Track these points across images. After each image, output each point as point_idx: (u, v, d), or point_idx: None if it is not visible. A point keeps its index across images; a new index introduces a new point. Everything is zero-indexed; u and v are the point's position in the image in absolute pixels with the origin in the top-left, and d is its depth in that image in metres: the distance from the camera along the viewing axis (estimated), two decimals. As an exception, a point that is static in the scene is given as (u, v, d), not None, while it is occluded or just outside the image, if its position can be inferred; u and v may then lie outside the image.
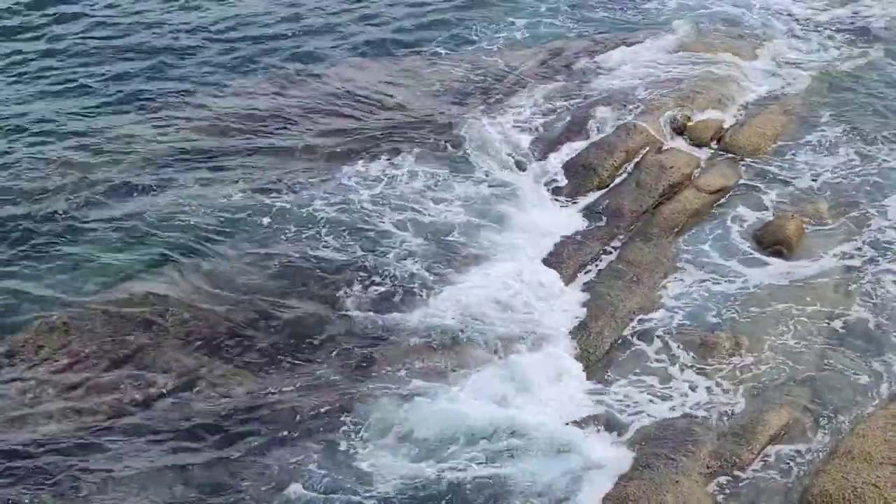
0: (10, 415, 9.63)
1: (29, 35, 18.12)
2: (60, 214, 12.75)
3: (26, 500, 8.64)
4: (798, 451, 9.26)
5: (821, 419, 9.64)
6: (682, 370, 10.36)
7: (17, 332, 10.78)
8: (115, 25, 18.51)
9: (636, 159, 14.19)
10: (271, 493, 8.82)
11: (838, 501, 8.34)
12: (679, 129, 15.13)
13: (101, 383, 10.11)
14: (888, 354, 10.53)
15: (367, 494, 8.76)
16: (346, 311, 11.08)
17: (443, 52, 17.66)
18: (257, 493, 8.83)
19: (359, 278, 11.57)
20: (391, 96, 16.03)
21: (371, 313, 11.02)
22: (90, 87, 16.18)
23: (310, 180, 13.46)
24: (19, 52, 17.44)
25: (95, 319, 10.93)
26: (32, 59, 17.14)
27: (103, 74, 16.65)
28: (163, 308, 11.10)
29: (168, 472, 9.08)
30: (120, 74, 16.67)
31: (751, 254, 12.36)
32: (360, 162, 13.92)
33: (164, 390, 10.02)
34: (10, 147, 14.30)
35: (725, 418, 9.65)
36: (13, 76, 16.61)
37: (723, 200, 13.46)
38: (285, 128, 15.02)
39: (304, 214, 12.71)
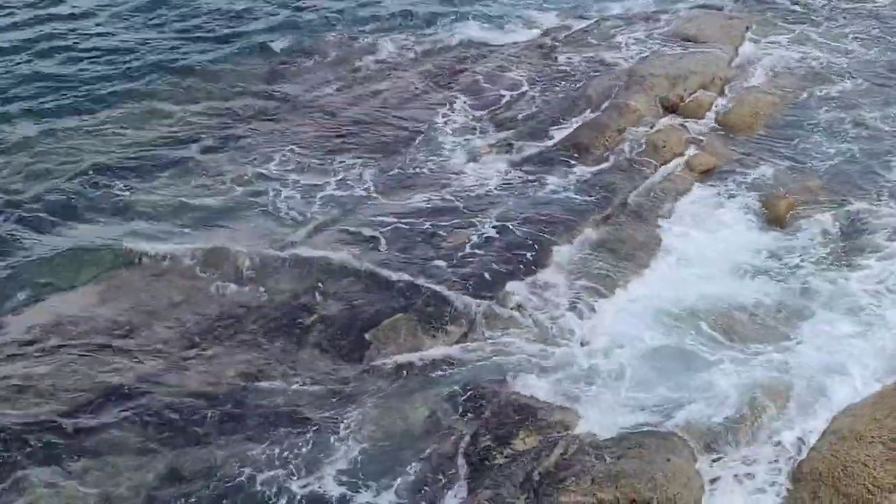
0: (0, 395, 9.59)
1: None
2: (58, 198, 12.77)
3: (17, 479, 8.61)
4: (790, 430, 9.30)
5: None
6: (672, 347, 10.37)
7: (10, 313, 10.77)
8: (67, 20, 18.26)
9: (629, 138, 14.14)
10: (268, 476, 8.82)
11: (828, 479, 8.36)
12: (672, 109, 15.10)
13: (91, 364, 10.06)
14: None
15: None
16: (341, 299, 11.03)
17: (426, 35, 17.57)
18: (253, 475, 8.82)
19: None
20: (366, 88, 15.96)
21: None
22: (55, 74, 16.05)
23: (299, 173, 13.42)
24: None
25: (89, 302, 10.91)
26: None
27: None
28: (158, 292, 11.10)
29: (159, 454, 9.04)
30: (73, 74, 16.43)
31: (744, 232, 12.36)
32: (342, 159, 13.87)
33: (158, 372, 9.98)
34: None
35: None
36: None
37: (714, 179, 13.43)
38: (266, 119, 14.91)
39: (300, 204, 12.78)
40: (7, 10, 18.45)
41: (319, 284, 11.23)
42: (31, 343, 10.32)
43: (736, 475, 8.82)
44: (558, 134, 14.33)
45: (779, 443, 9.13)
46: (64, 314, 10.72)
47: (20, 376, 9.85)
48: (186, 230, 12.28)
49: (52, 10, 18.57)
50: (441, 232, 12.15)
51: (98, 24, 18.10)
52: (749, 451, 9.10)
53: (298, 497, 8.57)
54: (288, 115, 14.93)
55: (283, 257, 11.71)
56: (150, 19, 18.37)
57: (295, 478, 8.74)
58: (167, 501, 8.52)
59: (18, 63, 16.60)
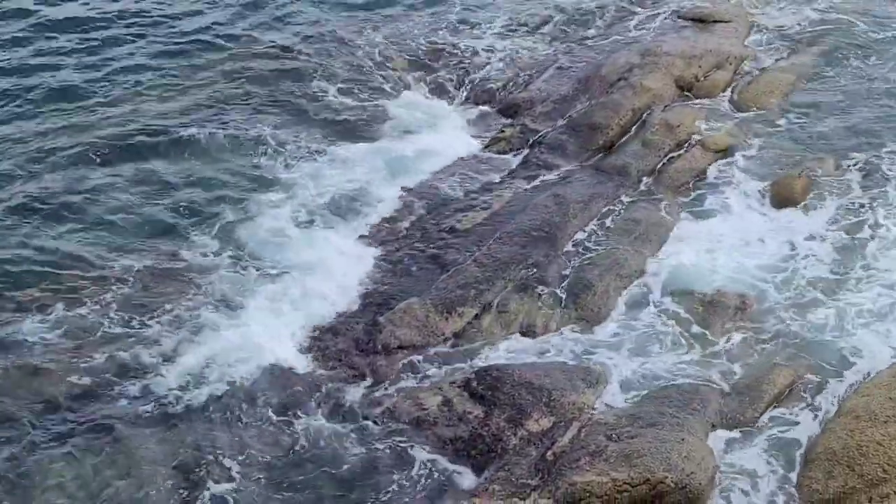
0: (15, 372, 9.66)
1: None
2: (64, 183, 12.76)
3: (31, 461, 8.71)
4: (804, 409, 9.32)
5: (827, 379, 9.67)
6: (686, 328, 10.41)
7: (26, 290, 10.83)
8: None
9: (643, 118, 14.08)
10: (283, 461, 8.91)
11: (843, 459, 8.36)
12: (687, 88, 15.01)
13: (105, 342, 10.15)
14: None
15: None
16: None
17: (434, 16, 17.46)
18: (265, 463, 8.90)
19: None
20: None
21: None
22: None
23: (302, 160, 13.42)
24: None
25: (101, 280, 11.02)
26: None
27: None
28: (166, 274, 11.20)
29: (175, 433, 9.13)
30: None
31: (760, 212, 12.31)
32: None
33: (171, 353, 10.04)
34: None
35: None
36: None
37: (730, 158, 13.34)
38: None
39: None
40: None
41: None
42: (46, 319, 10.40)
43: (750, 454, 8.83)
44: (572, 114, 14.25)
45: (792, 422, 9.15)
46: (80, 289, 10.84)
47: (35, 351, 9.95)
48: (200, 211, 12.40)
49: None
50: (453, 216, 12.15)
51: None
52: (763, 429, 9.12)
53: (319, 486, 8.63)
54: (288, 103, 14.88)
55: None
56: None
57: (310, 467, 8.80)
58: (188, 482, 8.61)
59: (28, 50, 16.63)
